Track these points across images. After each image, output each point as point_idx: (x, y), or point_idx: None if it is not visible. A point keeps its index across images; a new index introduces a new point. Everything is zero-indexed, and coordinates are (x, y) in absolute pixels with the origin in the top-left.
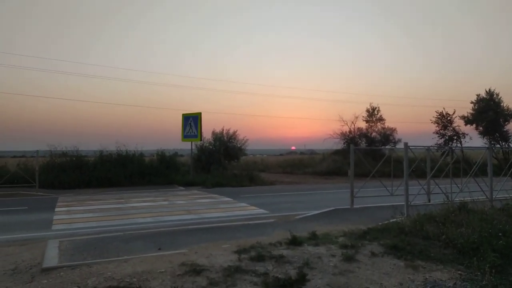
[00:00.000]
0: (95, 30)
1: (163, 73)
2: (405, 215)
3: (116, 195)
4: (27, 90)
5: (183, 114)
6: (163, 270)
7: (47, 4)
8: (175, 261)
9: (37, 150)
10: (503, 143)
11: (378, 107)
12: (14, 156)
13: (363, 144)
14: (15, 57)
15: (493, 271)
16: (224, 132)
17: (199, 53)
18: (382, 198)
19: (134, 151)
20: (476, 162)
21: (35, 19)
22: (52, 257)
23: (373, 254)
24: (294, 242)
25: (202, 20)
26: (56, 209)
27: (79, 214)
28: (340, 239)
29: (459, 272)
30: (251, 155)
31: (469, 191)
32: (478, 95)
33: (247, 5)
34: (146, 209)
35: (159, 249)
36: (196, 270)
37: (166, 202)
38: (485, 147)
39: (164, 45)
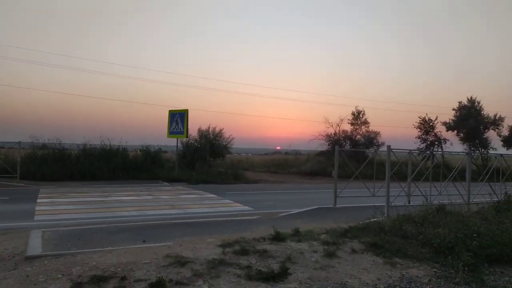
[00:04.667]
0: (85, 23)
1: (151, 69)
2: (386, 215)
3: (99, 188)
4: (12, 82)
5: (169, 111)
6: (147, 261)
7: None
8: (160, 253)
9: (19, 141)
10: (483, 150)
11: (363, 111)
12: None
13: (347, 146)
14: (2, 48)
15: (466, 269)
16: (210, 129)
17: (189, 50)
18: (364, 198)
19: (119, 145)
20: (455, 167)
21: (22, 11)
22: (35, 246)
23: (353, 250)
24: (278, 238)
25: (195, 17)
26: (38, 200)
27: (62, 206)
28: (322, 236)
29: (434, 269)
30: (236, 154)
31: (448, 194)
32: (460, 102)
33: (241, 4)
34: (130, 203)
35: (144, 241)
36: (180, 262)
37: (150, 197)
38: (464, 152)
39: (153, 40)
